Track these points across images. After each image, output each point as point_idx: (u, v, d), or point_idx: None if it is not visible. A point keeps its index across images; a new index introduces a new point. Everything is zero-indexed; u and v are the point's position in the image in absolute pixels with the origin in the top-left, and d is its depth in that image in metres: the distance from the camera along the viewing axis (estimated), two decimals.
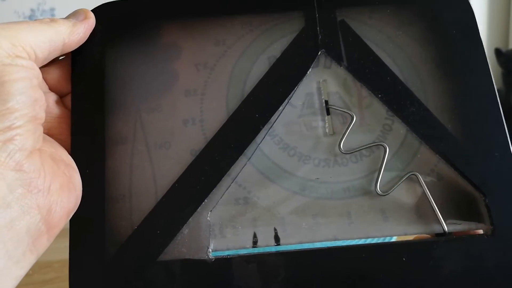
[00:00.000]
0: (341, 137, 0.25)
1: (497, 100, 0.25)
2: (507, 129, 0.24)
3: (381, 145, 0.25)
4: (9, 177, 0.20)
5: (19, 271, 0.20)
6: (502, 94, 0.97)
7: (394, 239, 0.27)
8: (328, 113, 0.26)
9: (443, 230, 0.24)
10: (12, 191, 0.20)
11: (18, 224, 0.20)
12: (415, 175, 0.24)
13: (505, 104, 0.95)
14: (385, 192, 0.24)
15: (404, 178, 0.24)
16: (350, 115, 0.25)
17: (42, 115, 0.22)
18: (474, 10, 0.26)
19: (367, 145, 0.25)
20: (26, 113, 0.21)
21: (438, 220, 0.24)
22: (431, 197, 0.24)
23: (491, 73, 0.26)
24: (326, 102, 0.26)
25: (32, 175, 0.21)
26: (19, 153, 0.20)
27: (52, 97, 0.26)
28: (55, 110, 0.25)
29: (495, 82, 0.25)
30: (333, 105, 0.26)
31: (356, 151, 0.25)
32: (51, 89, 0.26)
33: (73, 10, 0.25)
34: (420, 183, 0.24)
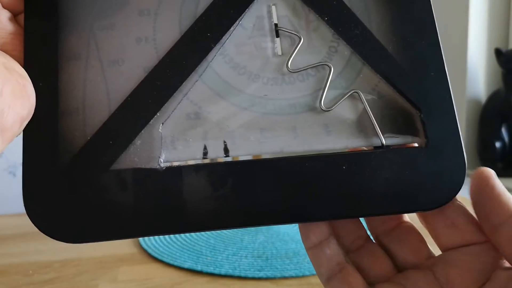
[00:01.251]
0: (289, 57, 0.26)
1: (434, 24, 0.27)
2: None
3: (326, 65, 0.26)
4: None
5: None
6: (502, 94, 0.99)
7: None
8: (277, 35, 0.27)
9: (381, 143, 0.25)
10: None
11: None
12: (357, 93, 0.26)
13: (505, 104, 0.97)
14: (329, 108, 0.26)
15: (346, 96, 0.26)
16: (298, 36, 0.27)
17: None
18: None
19: (313, 64, 0.26)
20: None
21: (377, 134, 0.26)
22: (370, 112, 0.26)
23: (430, 2, 0.27)
24: (276, 25, 0.27)
25: None
26: None
27: (5, 14, 0.26)
28: (8, 26, 0.26)
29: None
30: (282, 27, 0.27)
31: (302, 69, 0.26)
32: (4, 6, 0.26)
33: None
34: (361, 100, 0.26)
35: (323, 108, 0.26)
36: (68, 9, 0.26)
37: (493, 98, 1.00)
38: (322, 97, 0.26)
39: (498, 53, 0.94)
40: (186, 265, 0.57)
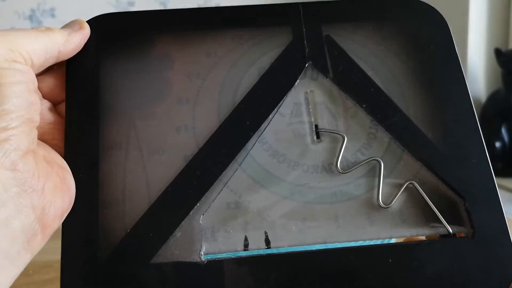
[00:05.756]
0: (336, 157, 0.26)
1: (472, 109, 0.27)
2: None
3: (375, 160, 0.26)
4: (4, 177, 0.20)
5: (14, 270, 0.21)
6: (502, 94, 0.99)
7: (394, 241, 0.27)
8: (318, 136, 0.27)
9: (448, 231, 0.25)
10: (7, 190, 0.20)
11: (13, 222, 0.20)
12: (412, 184, 0.26)
13: (505, 104, 0.97)
14: (387, 204, 0.25)
15: (403, 188, 0.26)
16: (342, 136, 0.26)
17: (37, 118, 0.23)
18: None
19: (362, 161, 0.26)
20: (22, 115, 0.22)
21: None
22: (430, 201, 0.25)
23: (467, 84, 0.27)
24: (316, 126, 0.27)
25: (27, 175, 0.21)
26: (14, 153, 0.21)
27: (46, 104, 0.26)
28: (48, 116, 0.26)
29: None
30: (323, 128, 0.27)
31: (353, 169, 0.26)
32: (45, 97, 0.26)
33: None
34: (418, 191, 0.25)
35: (382, 205, 0.25)
36: (109, 99, 0.26)
37: (493, 98, 0.98)
38: (379, 194, 0.25)
39: (498, 53, 0.94)
40: None
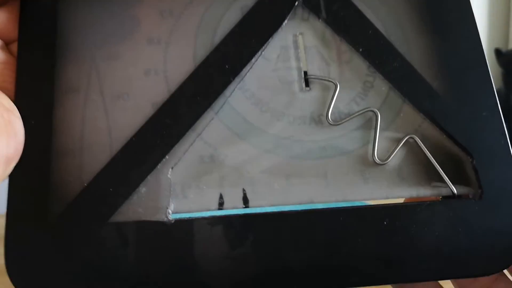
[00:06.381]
0: (327, 108, 0.23)
1: (483, 57, 0.23)
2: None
3: (371, 111, 0.23)
4: None
5: None
6: (502, 94, 0.97)
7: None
8: (307, 84, 0.23)
9: (452, 192, 0.22)
10: None
11: None
12: (413, 138, 0.22)
13: (505, 104, 0.95)
14: (384, 161, 0.22)
15: (402, 142, 0.22)
16: (334, 83, 0.23)
17: None
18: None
19: (357, 112, 0.23)
20: None
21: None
22: (433, 158, 0.22)
23: (479, 32, 0.24)
24: (305, 72, 0.24)
25: None
26: None
27: None
28: None
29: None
30: (313, 75, 0.23)
31: (345, 121, 0.23)
32: None
33: None
34: (419, 146, 0.22)
35: (378, 161, 0.22)
36: (68, 37, 0.23)
37: None
38: (374, 150, 0.22)
39: (498, 53, 0.93)
40: None
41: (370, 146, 0.22)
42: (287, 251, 0.21)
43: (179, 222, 0.21)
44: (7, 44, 0.23)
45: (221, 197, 0.22)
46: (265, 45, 0.23)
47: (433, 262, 0.21)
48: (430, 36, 0.24)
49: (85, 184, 0.21)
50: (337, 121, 0.23)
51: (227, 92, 0.23)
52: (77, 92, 0.22)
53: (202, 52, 0.23)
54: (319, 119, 0.23)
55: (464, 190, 0.22)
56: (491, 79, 0.23)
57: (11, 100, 0.22)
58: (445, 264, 0.21)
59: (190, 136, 0.22)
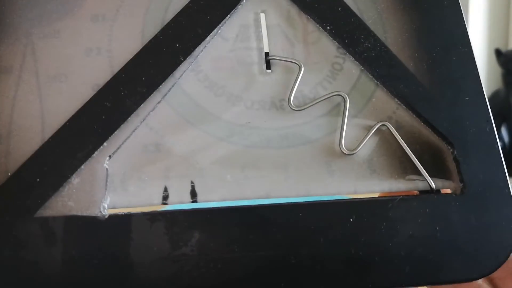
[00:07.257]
0: (290, 92, 0.20)
1: (467, 36, 0.21)
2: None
3: (339, 95, 0.20)
4: None
5: None
6: (502, 94, 0.96)
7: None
8: (268, 66, 0.21)
9: (430, 186, 0.19)
10: None
11: None
12: (386, 126, 0.20)
13: (505, 104, 0.94)
14: (352, 150, 0.19)
15: (373, 130, 0.20)
16: (298, 64, 0.21)
17: None
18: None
19: (322, 97, 0.20)
20: None
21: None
22: (408, 148, 0.19)
23: (461, 8, 0.21)
24: (267, 53, 0.21)
25: None
26: None
27: None
28: None
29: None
30: (275, 56, 0.21)
31: (310, 106, 0.20)
32: None
33: None
34: (392, 134, 0.20)
35: (345, 151, 0.19)
36: (0, 13, 0.21)
37: (493, 98, 0.97)
38: (341, 138, 0.20)
39: (498, 53, 0.92)
40: None
41: (337, 135, 0.20)
42: (238, 252, 0.18)
43: (114, 217, 0.18)
44: None
45: (165, 190, 0.19)
46: (222, 23, 0.21)
47: (407, 266, 0.18)
48: (407, 13, 0.21)
49: (9, 174, 0.18)
50: (300, 106, 0.20)
51: (177, 73, 0.20)
52: (9, 72, 0.20)
53: (152, 30, 0.21)
54: (280, 105, 0.20)
55: (443, 184, 0.19)
56: (475, 61, 0.20)
57: None
58: (420, 268, 0.18)
59: (133, 121, 0.19)
